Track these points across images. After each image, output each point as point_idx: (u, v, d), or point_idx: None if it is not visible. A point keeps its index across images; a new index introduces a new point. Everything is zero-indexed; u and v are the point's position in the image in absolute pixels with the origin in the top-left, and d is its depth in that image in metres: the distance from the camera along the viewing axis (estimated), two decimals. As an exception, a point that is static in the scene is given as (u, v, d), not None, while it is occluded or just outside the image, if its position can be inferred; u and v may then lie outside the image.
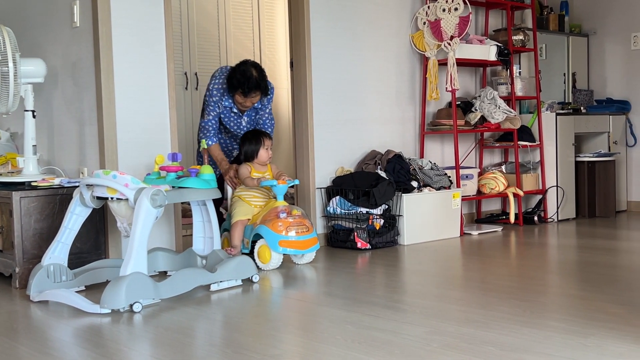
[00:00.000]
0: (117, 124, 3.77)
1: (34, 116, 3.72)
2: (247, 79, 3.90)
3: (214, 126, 4.10)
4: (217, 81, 4.09)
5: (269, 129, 4.18)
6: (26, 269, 3.43)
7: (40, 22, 4.27)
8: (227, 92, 4.04)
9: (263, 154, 3.98)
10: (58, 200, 3.58)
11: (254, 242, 3.84)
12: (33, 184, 3.60)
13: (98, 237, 3.71)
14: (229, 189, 4.12)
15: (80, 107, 3.95)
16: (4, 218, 3.58)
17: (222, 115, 4.12)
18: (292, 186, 4.43)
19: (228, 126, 4.17)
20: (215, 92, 4.08)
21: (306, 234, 3.77)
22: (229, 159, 4.30)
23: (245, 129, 4.20)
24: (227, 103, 4.07)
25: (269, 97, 4.14)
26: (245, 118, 4.18)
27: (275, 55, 7.36)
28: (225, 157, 4.14)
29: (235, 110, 4.10)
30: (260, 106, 4.15)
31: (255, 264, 3.70)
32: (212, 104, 4.07)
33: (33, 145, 3.72)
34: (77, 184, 3.55)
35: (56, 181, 3.63)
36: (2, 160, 4.18)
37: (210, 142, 4.07)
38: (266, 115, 4.19)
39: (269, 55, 7.21)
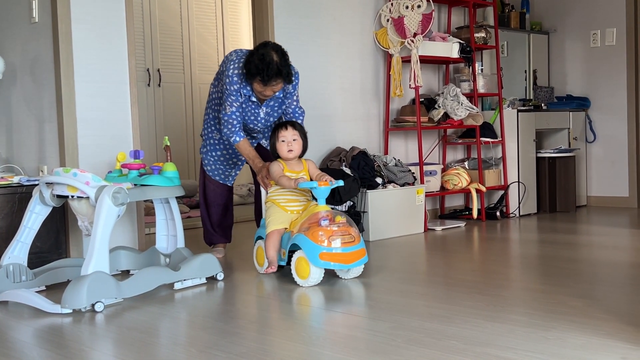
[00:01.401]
0: (77, 121, 3.71)
1: (-9, 113, 3.64)
2: (267, 65, 3.38)
3: (239, 118, 3.62)
4: (235, 65, 3.56)
5: (300, 119, 3.73)
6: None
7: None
8: (245, 78, 3.54)
9: (280, 148, 3.43)
10: (17, 198, 3.51)
11: (291, 253, 3.30)
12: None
13: (58, 236, 3.65)
14: (264, 192, 3.64)
15: (39, 105, 3.87)
16: (-39, 217, 3.49)
17: (243, 105, 3.65)
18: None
19: (245, 118, 3.70)
20: (235, 79, 3.55)
21: (352, 245, 3.20)
22: (236, 159, 3.98)
23: (263, 121, 3.74)
24: (245, 91, 3.58)
25: (294, 83, 3.64)
26: (264, 109, 3.69)
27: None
28: (257, 154, 3.64)
29: (254, 98, 3.62)
30: (283, 95, 3.68)
31: (293, 279, 3.26)
32: (234, 92, 3.56)
33: (-9, 143, 3.64)
34: (36, 182, 3.49)
35: (15, 179, 3.56)
36: (-42, 158, 4.08)
37: (237, 138, 3.61)
38: (294, 104, 3.74)
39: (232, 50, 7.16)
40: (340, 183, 3.39)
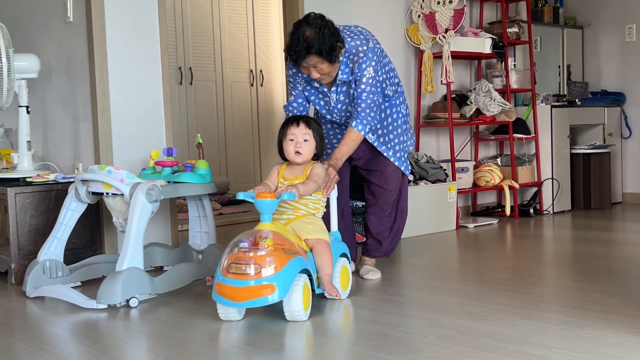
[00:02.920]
0: (111, 120, 3.76)
1: (28, 112, 3.71)
2: (294, 41, 2.89)
3: (298, 109, 3.20)
4: None
5: (361, 117, 3.01)
6: (22, 265, 3.42)
7: (33, 18, 4.25)
8: None
9: (287, 148, 2.84)
10: (53, 196, 3.57)
11: None
12: (28, 180, 3.59)
13: (94, 232, 3.71)
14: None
15: (74, 103, 3.93)
16: (-1, 214, 3.57)
17: (306, 93, 3.20)
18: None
19: (318, 108, 3.24)
20: (291, 64, 3.11)
21: (243, 279, 2.42)
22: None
23: (341, 110, 3.17)
24: (307, 76, 3.11)
25: (360, 62, 3.00)
26: (334, 95, 3.12)
27: (270, 49, 7.33)
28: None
29: (316, 83, 3.12)
30: (350, 78, 3.05)
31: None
32: (291, 79, 3.18)
33: (27, 141, 3.71)
34: (72, 180, 3.54)
35: (51, 177, 3.62)
36: (-4, 156, 4.16)
37: None
38: (360, 89, 3.02)
39: (264, 49, 7.20)
40: (293, 196, 2.60)
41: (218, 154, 6.81)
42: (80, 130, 3.91)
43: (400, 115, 3.33)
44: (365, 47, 3.02)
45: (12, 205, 3.43)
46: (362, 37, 3.06)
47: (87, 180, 3.16)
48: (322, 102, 3.19)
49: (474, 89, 5.33)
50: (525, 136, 5.48)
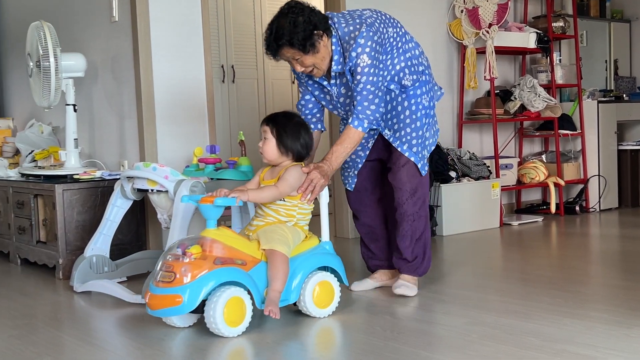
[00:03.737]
0: (156, 117, 3.82)
1: (75, 110, 3.78)
2: (267, 35, 2.69)
3: (306, 106, 2.97)
4: None
5: (357, 105, 2.70)
6: (69, 260, 3.49)
7: (80, 17, 4.34)
8: None
9: (261, 147, 2.70)
10: (99, 192, 3.64)
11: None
12: (75, 177, 3.66)
13: (139, 228, 3.77)
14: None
15: (120, 101, 4.00)
16: (48, 210, 3.65)
17: (310, 88, 2.95)
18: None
19: (324, 104, 2.97)
20: None
21: (164, 286, 2.34)
22: (354, 155, 3.02)
23: (344, 105, 2.88)
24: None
25: (350, 50, 2.67)
26: (335, 88, 2.84)
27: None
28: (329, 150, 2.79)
29: (317, 78, 2.86)
30: (345, 69, 2.74)
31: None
32: (296, 75, 2.92)
33: (74, 139, 3.79)
34: (118, 177, 3.60)
35: (97, 174, 3.69)
36: (44, 154, 4.26)
37: None
38: (356, 80, 2.70)
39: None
40: (231, 202, 2.45)
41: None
42: (125, 128, 3.97)
43: (420, 107, 2.85)
44: (356, 33, 2.67)
45: (59, 201, 3.51)
46: (357, 21, 2.70)
47: (132, 177, 3.21)
48: (326, 97, 2.92)
49: (518, 84, 5.25)
50: (571, 132, 5.38)
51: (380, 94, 2.72)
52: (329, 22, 2.71)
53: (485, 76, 4.88)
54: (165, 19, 3.85)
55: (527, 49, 5.18)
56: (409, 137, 2.86)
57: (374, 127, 2.79)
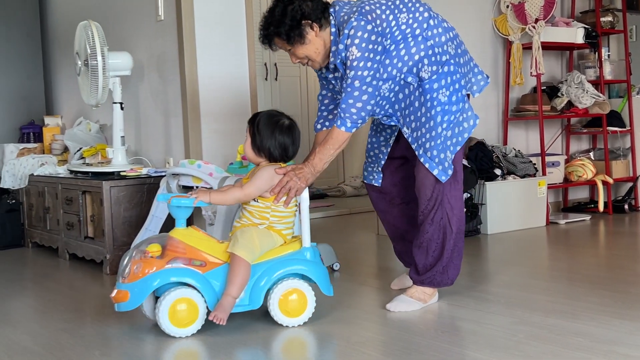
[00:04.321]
0: (201, 115, 3.86)
1: (122, 108, 3.84)
2: (260, 24, 2.60)
3: (322, 101, 2.83)
4: None
5: (341, 103, 2.51)
6: (116, 255, 3.55)
7: (126, 17, 4.41)
8: None
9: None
10: (145, 189, 3.69)
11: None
12: (122, 173, 3.72)
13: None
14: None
15: (165, 99, 4.05)
16: (95, 207, 3.72)
17: (323, 82, 2.79)
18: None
19: (339, 98, 2.76)
20: None
21: (123, 282, 2.40)
22: (377, 150, 2.88)
23: None
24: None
25: (341, 48, 2.51)
26: (338, 82, 2.69)
27: (354, 43, 7.32)
28: (314, 151, 2.64)
29: (323, 71, 2.71)
30: (337, 61, 2.57)
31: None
32: (315, 70, 2.75)
33: (121, 137, 3.85)
34: (163, 174, 3.65)
35: (144, 171, 3.75)
36: (92, 151, 4.34)
37: (316, 127, 2.86)
38: (347, 75, 2.52)
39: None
40: (188, 202, 2.43)
41: (301, 148, 6.84)
42: (171, 126, 4.02)
43: (435, 103, 2.56)
44: (349, 21, 2.48)
45: (107, 198, 3.57)
46: (353, 9, 2.53)
47: (177, 174, 3.25)
48: (336, 91, 2.74)
49: (566, 80, 5.16)
50: (620, 129, 5.26)
51: (370, 90, 2.48)
52: (329, 10, 2.55)
53: (531, 72, 4.81)
54: (210, 18, 3.88)
55: (574, 45, 5.09)
56: (424, 140, 2.58)
57: (382, 122, 2.64)
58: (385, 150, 2.83)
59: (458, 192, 2.67)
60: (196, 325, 2.39)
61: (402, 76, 2.57)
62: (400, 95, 2.61)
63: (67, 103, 5.43)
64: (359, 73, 2.46)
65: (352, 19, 2.47)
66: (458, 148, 2.61)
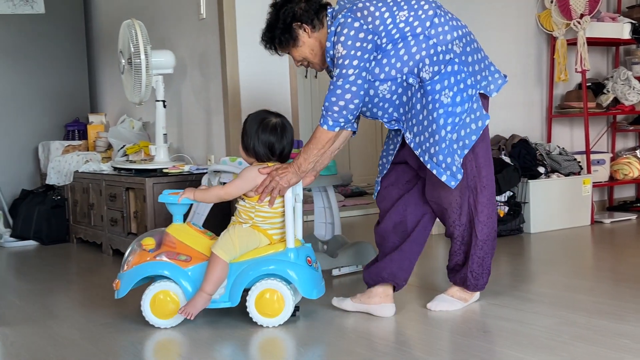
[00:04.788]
0: (242, 112, 3.88)
1: (164, 106, 3.89)
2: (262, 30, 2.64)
3: None
4: None
5: (324, 101, 2.48)
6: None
7: (169, 15, 4.46)
8: None
9: None
10: (187, 186, 3.72)
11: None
12: (164, 170, 3.77)
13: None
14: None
15: (207, 97, 4.09)
16: (138, 203, 3.77)
17: None
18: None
19: None
20: None
21: (121, 271, 2.60)
22: (390, 141, 2.71)
23: None
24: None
25: (328, 46, 2.47)
26: None
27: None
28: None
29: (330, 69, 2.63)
30: (329, 59, 2.54)
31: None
32: None
33: (164, 134, 3.90)
34: (205, 171, 3.68)
35: (185, 168, 3.79)
36: (135, 148, 4.40)
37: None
38: (332, 75, 2.49)
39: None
40: (174, 200, 2.55)
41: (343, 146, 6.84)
42: (212, 123, 4.06)
43: (437, 105, 2.41)
44: (338, 20, 2.43)
45: (149, 194, 3.62)
46: (347, 6, 2.47)
47: (219, 171, 3.27)
48: None
49: (612, 76, 5.05)
50: (669, 126, 5.13)
51: (354, 89, 2.39)
52: (326, 10, 2.51)
53: (576, 68, 4.71)
54: (251, 16, 3.90)
55: (620, 40, 4.97)
56: (427, 144, 2.43)
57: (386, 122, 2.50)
58: (391, 159, 2.67)
59: (484, 197, 2.55)
60: (177, 317, 2.48)
61: (404, 77, 2.44)
62: (404, 98, 2.48)
63: (110, 101, 5.51)
64: (343, 71, 2.39)
65: (340, 16, 2.42)
66: (466, 151, 2.45)
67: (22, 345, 2.38)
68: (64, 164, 4.69)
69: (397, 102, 2.48)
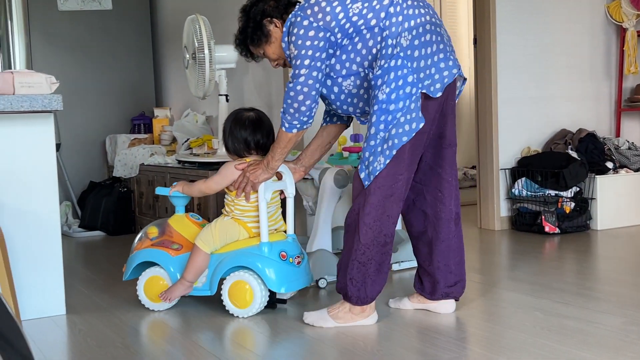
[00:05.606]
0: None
1: (227, 100, 3.94)
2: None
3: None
4: None
5: (283, 104, 2.46)
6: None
7: (231, 10, 4.50)
8: None
9: None
10: (249, 179, 3.76)
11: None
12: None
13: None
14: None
15: (268, 91, 4.12)
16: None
17: None
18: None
19: None
20: None
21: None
22: None
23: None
24: None
25: (284, 46, 2.46)
26: None
27: (456, 32, 7.21)
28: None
29: None
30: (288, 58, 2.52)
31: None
32: None
33: (226, 128, 3.94)
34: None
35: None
36: (199, 142, 4.48)
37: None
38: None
39: (450, 32, 7.07)
40: (166, 192, 2.79)
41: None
42: (273, 117, 4.08)
43: (376, 100, 2.31)
44: (289, 20, 2.42)
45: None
46: (304, 3, 2.43)
47: (279, 165, 3.29)
48: None
49: (685, 68, 4.85)
50: None
51: (306, 90, 2.34)
52: (294, 6, 2.48)
53: (647, 60, 4.55)
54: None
55: (696, 30, 4.78)
56: (365, 139, 2.36)
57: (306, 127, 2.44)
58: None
59: (375, 198, 2.32)
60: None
61: (366, 71, 2.37)
62: (371, 92, 2.37)
63: (175, 95, 5.62)
64: (296, 72, 2.35)
65: (290, 16, 2.40)
66: (394, 152, 2.28)
67: (89, 332, 2.46)
68: (130, 157, 4.81)
69: (365, 96, 2.42)
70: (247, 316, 2.56)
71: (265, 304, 2.58)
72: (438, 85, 2.31)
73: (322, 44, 2.33)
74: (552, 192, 4.14)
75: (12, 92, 2.54)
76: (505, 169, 4.41)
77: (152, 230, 2.77)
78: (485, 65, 4.40)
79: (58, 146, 4.88)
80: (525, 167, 4.30)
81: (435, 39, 2.34)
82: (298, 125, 2.42)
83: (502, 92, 4.42)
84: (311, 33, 2.33)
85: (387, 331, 2.34)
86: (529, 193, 4.23)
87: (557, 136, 4.56)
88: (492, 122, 4.38)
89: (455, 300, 2.57)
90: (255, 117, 2.65)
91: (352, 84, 2.40)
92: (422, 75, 2.30)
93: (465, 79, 2.50)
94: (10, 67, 5.35)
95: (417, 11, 2.33)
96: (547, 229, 4.11)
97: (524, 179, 4.27)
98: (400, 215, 2.52)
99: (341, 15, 2.33)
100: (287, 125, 2.43)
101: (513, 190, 4.33)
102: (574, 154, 4.23)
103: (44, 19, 5.37)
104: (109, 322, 2.57)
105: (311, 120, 2.44)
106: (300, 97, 2.35)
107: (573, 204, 4.16)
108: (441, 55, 2.34)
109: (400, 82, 2.27)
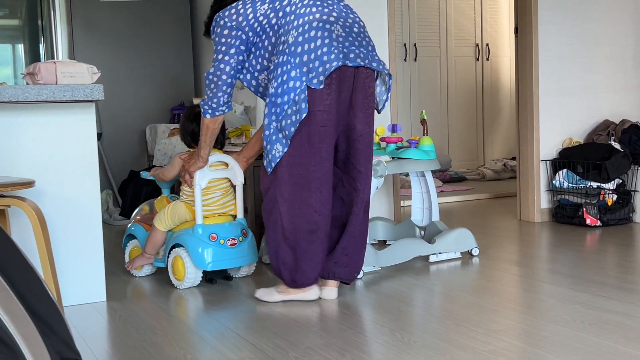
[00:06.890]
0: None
1: (264, 90, 3.94)
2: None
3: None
4: None
5: (204, 94, 2.80)
6: (258, 232, 3.67)
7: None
8: None
9: None
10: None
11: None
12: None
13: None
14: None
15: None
16: (239, 185, 3.85)
17: None
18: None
19: None
20: None
21: None
22: None
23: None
24: None
25: (212, 39, 2.74)
26: None
27: (497, 21, 7.10)
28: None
29: None
30: None
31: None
32: None
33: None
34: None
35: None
36: (237, 132, 4.50)
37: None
38: None
39: (491, 22, 6.98)
40: (144, 175, 3.30)
41: (440, 130, 6.75)
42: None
43: (268, 94, 2.58)
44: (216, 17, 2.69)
45: (250, 177, 3.69)
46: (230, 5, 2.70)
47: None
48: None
49: None
50: None
51: (220, 83, 2.61)
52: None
53: (694, 49, 4.43)
54: (351, 1, 3.89)
55: None
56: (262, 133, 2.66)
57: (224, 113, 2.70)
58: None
59: (286, 190, 2.56)
60: (146, 268, 3.16)
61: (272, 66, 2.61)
62: None
63: (213, 85, 5.64)
64: (213, 63, 2.63)
65: (215, 15, 2.67)
66: (287, 141, 2.50)
67: (129, 319, 2.50)
68: (169, 146, 4.86)
69: None
70: (183, 288, 2.89)
71: (200, 279, 2.90)
72: (322, 78, 2.45)
73: (234, 41, 2.60)
74: (594, 184, 4.06)
75: (54, 81, 2.59)
76: (546, 160, 4.35)
77: (145, 208, 3.23)
78: (527, 55, 4.33)
79: (99, 135, 4.96)
80: (567, 158, 4.23)
81: (321, 34, 2.49)
82: (210, 111, 2.67)
83: (543, 83, 4.35)
84: (226, 32, 2.61)
85: (423, 322, 2.33)
86: (570, 185, 4.16)
87: (599, 127, 4.47)
88: (533, 113, 4.31)
89: (345, 284, 2.72)
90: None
91: (266, 78, 2.67)
92: (305, 69, 2.47)
93: (390, 75, 2.65)
94: (53, 57, 5.45)
95: (310, 9, 2.54)
96: (588, 221, 4.04)
97: (565, 170, 4.20)
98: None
99: (250, 16, 2.60)
100: (202, 110, 2.70)
101: (554, 181, 4.26)
102: (616, 145, 4.15)
103: (85, 10, 5.45)
104: (149, 309, 2.61)
105: (222, 108, 2.66)
106: (212, 86, 2.63)
107: (615, 196, 4.08)
108: (325, 49, 2.47)
109: (285, 77, 2.49)
